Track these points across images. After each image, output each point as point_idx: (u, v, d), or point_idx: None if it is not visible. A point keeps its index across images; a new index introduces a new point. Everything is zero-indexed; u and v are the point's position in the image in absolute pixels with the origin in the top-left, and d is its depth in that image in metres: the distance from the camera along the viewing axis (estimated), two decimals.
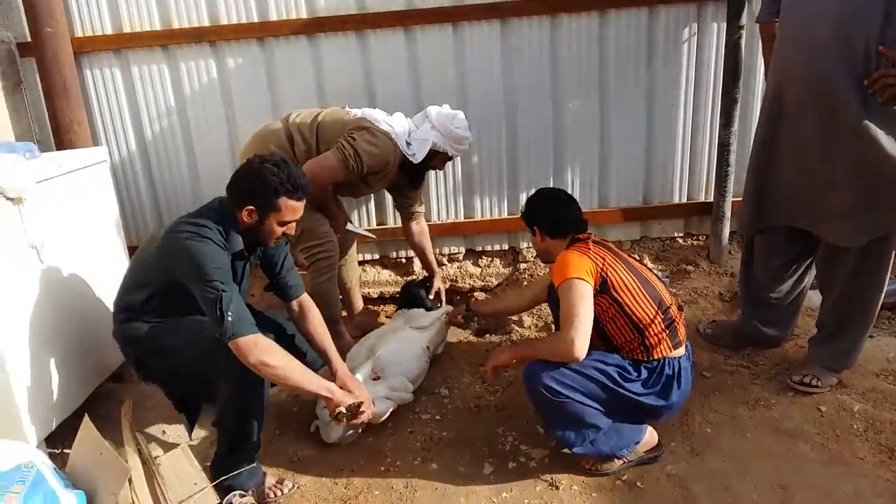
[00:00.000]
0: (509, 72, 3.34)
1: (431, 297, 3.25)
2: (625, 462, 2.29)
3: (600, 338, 2.28)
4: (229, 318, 1.94)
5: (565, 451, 2.28)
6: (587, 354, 2.11)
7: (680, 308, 2.35)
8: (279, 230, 2.18)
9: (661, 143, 3.49)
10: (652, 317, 2.21)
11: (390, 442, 2.53)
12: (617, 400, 2.20)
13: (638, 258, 2.41)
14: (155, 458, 2.11)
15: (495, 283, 3.64)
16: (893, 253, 2.47)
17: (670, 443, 2.41)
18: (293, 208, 2.16)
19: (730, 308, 3.27)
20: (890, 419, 2.41)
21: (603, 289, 2.19)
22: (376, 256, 3.69)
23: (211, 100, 3.36)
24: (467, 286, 3.64)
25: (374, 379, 2.63)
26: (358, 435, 2.54)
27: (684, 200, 3.59)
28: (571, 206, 2.43)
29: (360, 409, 2.21)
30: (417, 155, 2.90)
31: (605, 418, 2.22)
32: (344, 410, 2.16)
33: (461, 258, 3.68)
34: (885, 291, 2.54)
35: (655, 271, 2.80)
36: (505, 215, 3.58)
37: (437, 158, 3.00)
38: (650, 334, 2.21)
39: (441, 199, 3.58)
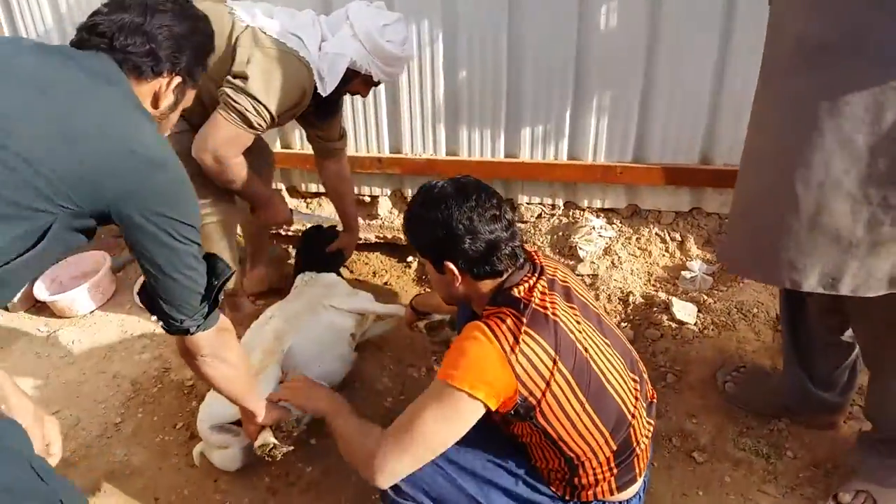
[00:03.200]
0: None
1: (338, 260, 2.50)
2: None
3: (512, 443, 1.48)
4: (199, 316, 1.29)
5: None
6: (479, 447, 1.44)
7: (651, 405, 1.50)
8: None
9: (737, 75, 2.29)
10: (595, 449, 1.37)
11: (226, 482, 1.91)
12: None
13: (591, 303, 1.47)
14: None
15: None
16: None
17: None
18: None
19: None
20: None
21: (524, 415, 1.33)
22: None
23: None
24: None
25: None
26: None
27: None
28: (504, 214, 1.39)
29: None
30: (328, 80, 1.99)
31: None
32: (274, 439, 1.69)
33: None
34: None
35: (617, 328, 1.73)
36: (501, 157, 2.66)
37: (356, 81, 2.06)
38: (585, 472, 1.40)
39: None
